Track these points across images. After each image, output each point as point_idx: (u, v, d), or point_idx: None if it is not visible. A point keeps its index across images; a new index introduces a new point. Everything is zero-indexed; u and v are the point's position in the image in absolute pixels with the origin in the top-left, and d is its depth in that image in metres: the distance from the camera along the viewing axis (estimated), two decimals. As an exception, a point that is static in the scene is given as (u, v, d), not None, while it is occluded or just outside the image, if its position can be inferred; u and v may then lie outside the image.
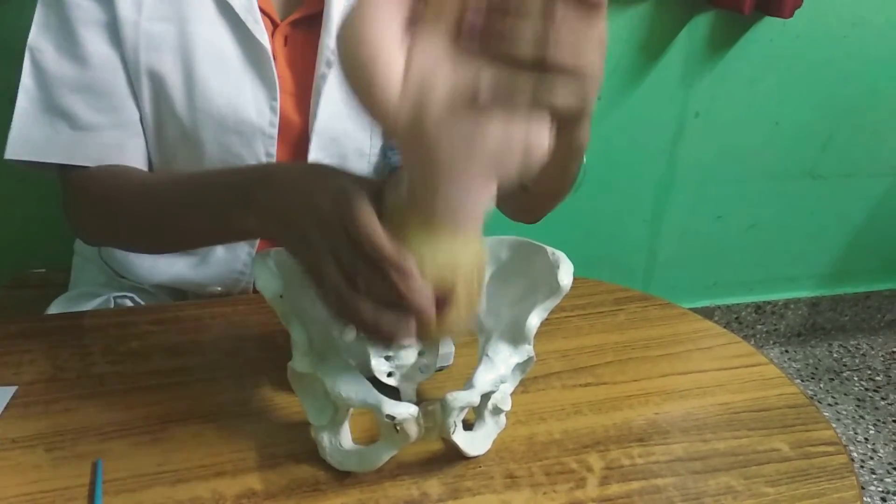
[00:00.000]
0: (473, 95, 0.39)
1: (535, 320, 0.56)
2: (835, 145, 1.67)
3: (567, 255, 0.57)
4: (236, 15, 0.69)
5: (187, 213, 0.61)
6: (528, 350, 0.56)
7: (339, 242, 0.45)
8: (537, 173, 0.50)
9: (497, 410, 0.58)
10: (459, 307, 0.46)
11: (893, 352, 1.90)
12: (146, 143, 0.74)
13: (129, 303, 0.83)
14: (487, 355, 0.55)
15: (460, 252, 0.46)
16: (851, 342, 1.93)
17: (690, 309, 0.79)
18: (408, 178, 0.44)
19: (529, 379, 0.65)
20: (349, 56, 0.40)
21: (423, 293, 0.44)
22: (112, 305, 0.82)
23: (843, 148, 1.67)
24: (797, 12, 1.39)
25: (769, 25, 1.47)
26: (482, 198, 0.43)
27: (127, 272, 0.82)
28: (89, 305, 0.81)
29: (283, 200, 0.51)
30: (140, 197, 0.68)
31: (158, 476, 0.55)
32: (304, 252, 0.49)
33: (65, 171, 0.71)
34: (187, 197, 0.62)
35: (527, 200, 0.70)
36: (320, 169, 0.53)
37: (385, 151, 0.79)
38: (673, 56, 1.47)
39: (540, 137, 0.42)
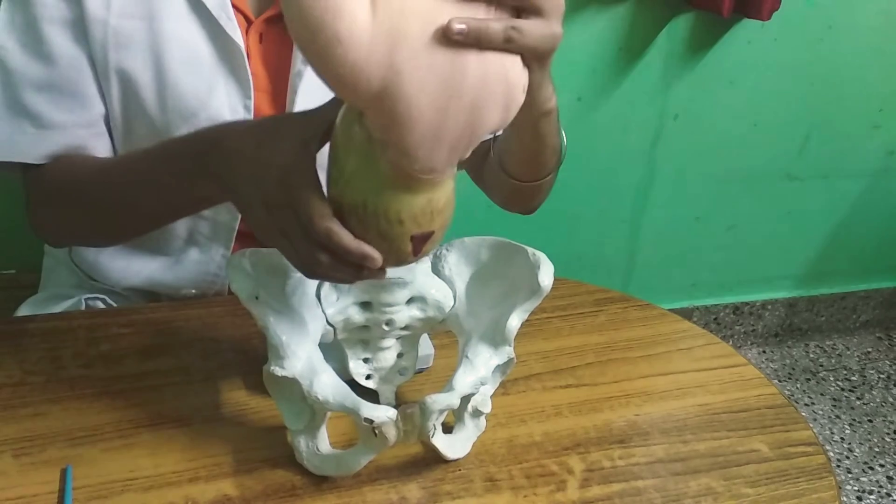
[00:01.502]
0: (448, 33, 0.39)
1: (515, 321, 0.55)
2: (811, 147, 1.68)
3: (547, 256, 0.56)
4: (209, 12, 0.68)
5: (148, 187, 0.61)
6: (508, 351, 0.55)
7: (288, 223, 0.47)
8: (514, 146, 0.59)
9: (477, 413, 0.57)
10: (435, 240, 0.48)
11: (868, 352, 1.92)
12: (113, 141, 0.73)
13: (100, 304, 0.81)
14: (467, 357, 0.55)
15: (438, 197, 0.46)
16: (827, 342, 1.95)
17: (670, 310, 0.79)
18: (381, 144, 0.43)
19: (510, 381, 0.65)
20: (306, 14, 0.37)
21: (380, 268, 0.48)
22: (83, 307, 0.80)
23: (819, 149, 1.69)
24: (775, 15, 1.40)
25: (747, 27, 1.48)
26: (461, 144, 0.43)
27: (98, 275, 0.80)
28: (60, 307, 0.79)
29: (232, 168, 0.51)
30: (98, 179, 0.67)
31: (130, 482, 0.54)
32: (255, 221, 0.50)
33: (27, 171, 0.70)
34: (146, 173, 0.61)
35: (514, 186, 0.70)
36: (265, 128, 0.52)
37: None
38: (652, 57, 1.48)
39: (518, 74, 0.43)
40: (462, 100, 0.41)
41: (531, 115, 0.57)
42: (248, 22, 0.71)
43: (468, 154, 0.45)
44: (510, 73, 0.43)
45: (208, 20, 0.69)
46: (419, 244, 0.47)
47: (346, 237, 0.46)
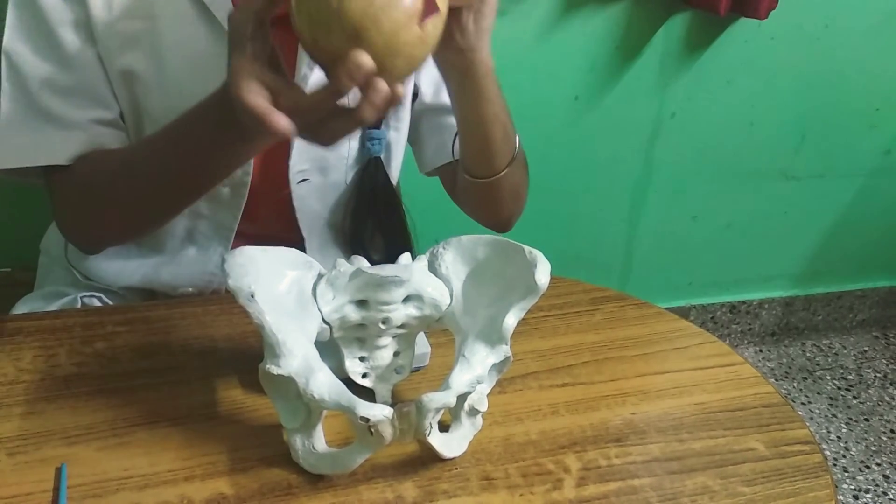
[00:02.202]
0: None
1: (511, 320, 0.55)
2: (808, 146, 1.69)
3: (544, 254, 0.56)
4: (211, 13, 0.68)
5: (178, 158, 0.62)
6: (504, 350, 0.55)
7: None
8: (466, 126, 0.66)
9: (473, 411, 0.57)
10: (438, 28, 0.49)
11: (865, 351, 1.92)
12: (128, 139, 0.73)
13: (96, 302, 0.81)
14: (464, 356, 0.55)
15: None
16: (824, 341, 1.95)
17: (667, 308, 0.79)
18: None
19: (506, 379, 0.64)
20: None
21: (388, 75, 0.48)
22: (79, 305, 0.80)
23: (816, 148, 1.69)
24: (772, 14, 1.40)
25: (744, 27, 1.48)
26: None
27: (94, 275, 0.80)
28: (55, 305, 0.79)
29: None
30: (126, 167, 0.67)
31: (125, 481, 0.53)
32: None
33: (51, 175, 0.70)
34: (172, 145, 0.63)
35: (475, 187, 0.71)
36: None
37: (363, 142, 0.78)
38: (649, 56, 1.48)
39: None
40: None
41: (474, 68, 0.62)
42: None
43: None
44: None
45: (211, 21, 0.68)
46: (429, 9, 0.47)
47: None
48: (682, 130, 1.58)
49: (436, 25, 0.50)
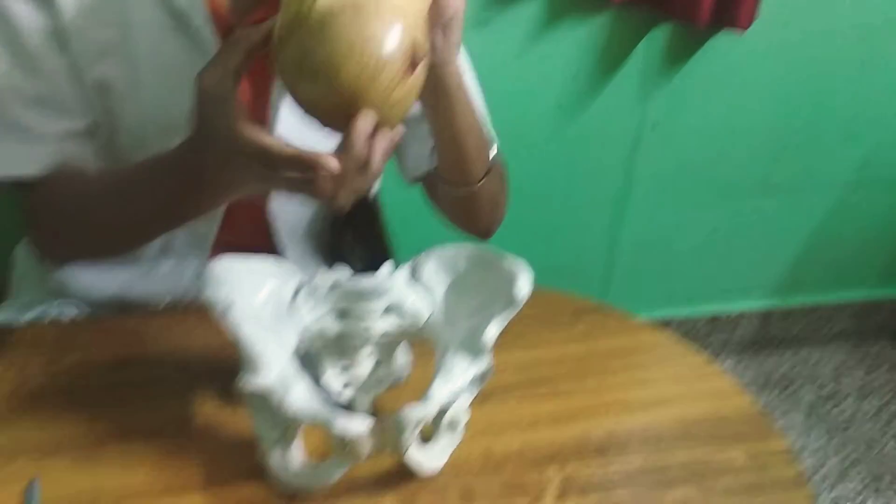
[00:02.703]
0: None
1: (493, 331, 0.55)
2: (787, 158, 1.70)
3: (525, 264, 0.56)
4: (185, 20, 0.67)
5: (153, 202, 0.63)
6: (485, 361, 0.55)
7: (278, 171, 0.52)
8: (441, 137, 0.68)
9: (454, 424, 0.57)
10: (418, 83, 0.51)
11: (842, 362, 1.94)
12: (99, 149, 0.72)
13: (71, 314, 0.79)
14: (444, 367, 0.54)
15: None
16: (802, 353, 1.97)
17: (647, 319, 0.79)
18: None
19: (487, 391, 0.64)
20: None
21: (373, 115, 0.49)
22: (52, 316, 0.78)
23: (794, 161, 1.71)
24: (752, 27, 1.42)
25: (725, 39, 1.49)
26: None
27: (67, 287, 0.78)
28: (28, 316, 0.77)
29: (208, 158, 0.55)
30: (100, 194, 0.67)
31: (98, 496, 0.52)
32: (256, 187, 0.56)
33: (25, 190, 0.69)
34: (152, 185, 0.63)
35: (453, 195, 0.71)
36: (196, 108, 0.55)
37: None
38: (631, 67, 1.49)
39: None
40: None
41: (444, 82, 0.63)
42: (228, 29, 0.70)
43: None
44: None
45: (186, 30, 0.68)
46: (417, 57, 0.49)
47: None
48: (664, 141, 1.59)
49: (423, 71, 0.51)
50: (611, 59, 1.47)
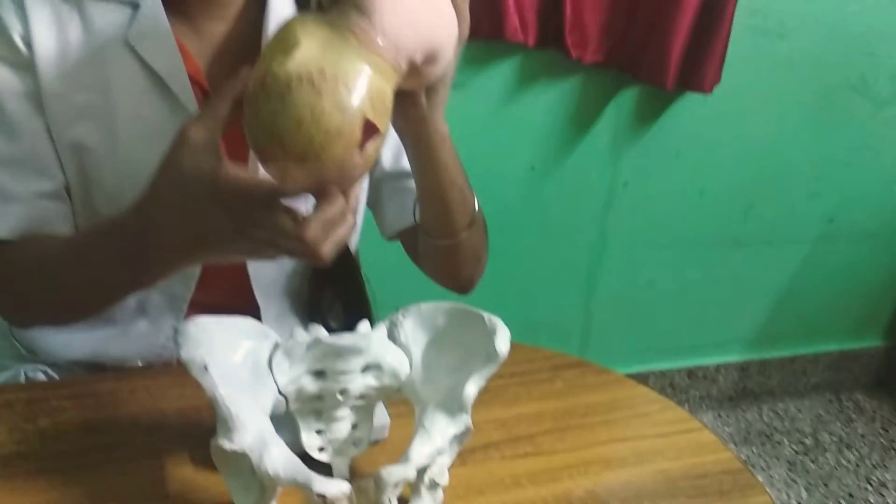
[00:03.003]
0: None
1: (472, 389, 0.54)
2: (756, 214, 1.74)
3: (504, 321, 0.56)
4: (163, 83, 0.68)
5: (111, 265, 0.61)
6: (465, 420, 0.54)
7: (254, 231, 0.52)
8: (424, 190, 0.70)
9: (434, 485, 0.56)
10: (377, 149, 0.52)
11: (820, 415, 1.95)
12: (73, 209, 0.71)
13: (41, 376, 0.78)
14: (424, 426, 0.54)
15: (388, 94, 0.51)
16: (780, 405, 1.97)
17: (627, 374, 0.79)
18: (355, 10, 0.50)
19: (467, 450, 0.63)
20: None
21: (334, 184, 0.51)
22: (22, 379, 0.76)
23: (763, 216, 1.75)
24: (715, 89, 1.47)
25: (690, 100, 1.54)
26: (422, 38, 0.53)
27: (39, 348, 0.77)
28: (-3, 380, 0.76)
29: (174, 225, 0.54)
30: (64, 258, 0.65)
31: (64, 568, 0.50)
32: (230, 251, 0.55)
33: None
34: (104, 252, 0.61)
35: (434, 247, 0.72)
36: (166, 169, 0.54)
37: None
38: (601, 128, 1.53)
39: (453, 28, 0.56)
40: (434, 7, 0.54)
41: (429, 137, 0.65)
42: (205, 93, 0.71)
43: (422, 64, 0.54)
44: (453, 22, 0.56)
45: (163, 92, 0.68)
46: (368, 133, 0.49)
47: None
48: (635, 199, 1.62)
49: (377, 146, 0.52)
50: (581, 121, 1.51)
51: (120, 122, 0.68)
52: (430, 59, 0.55)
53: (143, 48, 0.67)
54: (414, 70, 0.54)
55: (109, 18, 0.67)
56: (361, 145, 0.50)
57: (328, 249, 0.52)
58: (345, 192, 0.52)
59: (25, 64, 0.66)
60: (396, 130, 0.67)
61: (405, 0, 0.52)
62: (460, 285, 0.81)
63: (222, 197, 0.51)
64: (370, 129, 0.50)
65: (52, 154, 0.69)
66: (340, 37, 0.50)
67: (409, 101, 0.61)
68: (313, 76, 0.48)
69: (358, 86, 0.49)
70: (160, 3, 0.67)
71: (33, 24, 0.66)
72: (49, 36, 0.66)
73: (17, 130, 0.67)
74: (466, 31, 0.58)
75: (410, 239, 0.81)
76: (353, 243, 0.83)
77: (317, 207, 0.51)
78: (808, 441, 1.84)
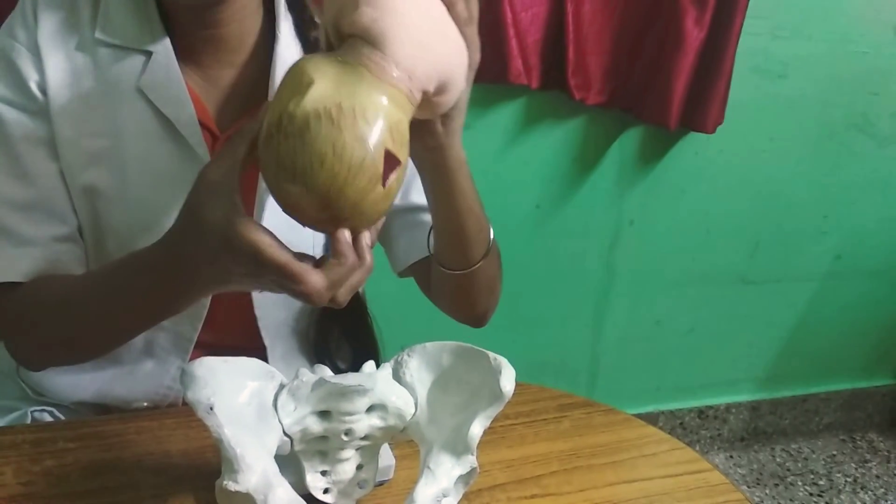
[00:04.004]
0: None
1: (477, 429, 0.54)
2: (763, 252, 1.74)
3: (509, 361, 0.56)
4: (174, 128, 0.69)
5: (127, 299, 0.63)
6: (470, 461, 0.54)
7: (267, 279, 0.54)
8: (440, 218, 0.70)
9: (439, 527, 0.55)
10: (400, 181, 0.51)
11: (833, 455, 1.92)
12: (86, 254, 0.72)
13: (47, 417, 0.78)
14: (429, 467, 0.53)
15: (405, 125, 0.51)
16: (793, 446, 1.94)
17: (635, 414, 0.78)
18: (366, 44, 0.51)
19: (473, 492, 0.63)
20: None
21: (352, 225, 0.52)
22: (29, 420, 0.76)
23: (770, 254, 1.75)
24: (719, 128, 1.48)
25: (694, 140, 1.56)
26: (436, 68, 0.53)
27: (45, 390, 0.77)
28: (3, 421, 0.76)
29: (192, 263, 0.56)
30: (78, 295, 0.67)
31: None
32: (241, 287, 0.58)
33: (2, 293, 0.68)
34: (122, 287, 0.63)
35: (449, 279, 0.72)
36: (190, 210, 0.56)
37: (328, 249, 0.78)
38: (606, 167, 1.54)
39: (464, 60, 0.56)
40: (443, 36, 0.54)
41: (447, 164, 0.65)
42: (214, 137, 0.73)
43: (436, 92, 0.54)
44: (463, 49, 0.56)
45: (174, 137, 0.70)
46: (390, 165, 0.49)
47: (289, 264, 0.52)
48: (641, 237, 1.62)
49: (399, 178, 0.52)
50: (586, 160, 1.52)
51: (131, 165, 0.69)
52: (443, 87, 0.55)
53: (154, 95, 0.69)
54: (428, 100, 0.55)
55: (123, 66, 0.69)
56: (384, 178, 0.50)
57: (344, 297, 0.53)
58: (367, 230, 0.53)
59: (41, 111, 0.68)
60: (414, 160, 0.67)
61: (415, 31, 0.52)
62: (475, 317, 0.81)
63: (234, 250, 0.52)
64: (391, 161, 0.50)
65: (66, 198, 0.70)
66: (353, 72, 0.50)
67: (426, 130, 0.61)
68: (332, 111, 0.48)
69: (377, 118, 0.49)
70: (172, 51, 0.69)
71: (49, 72, 0.67)
72: (63, 83, 0.68)
73: (33, 175, 0.68)
74: (477, 57, 0.57)
75: (423, 272, 0.80)
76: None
77: (330, 263, 0.52)
78: (823, 482, 1.80)
